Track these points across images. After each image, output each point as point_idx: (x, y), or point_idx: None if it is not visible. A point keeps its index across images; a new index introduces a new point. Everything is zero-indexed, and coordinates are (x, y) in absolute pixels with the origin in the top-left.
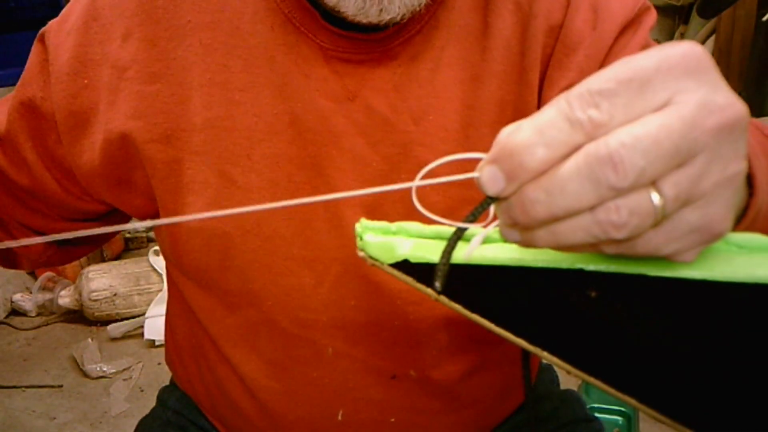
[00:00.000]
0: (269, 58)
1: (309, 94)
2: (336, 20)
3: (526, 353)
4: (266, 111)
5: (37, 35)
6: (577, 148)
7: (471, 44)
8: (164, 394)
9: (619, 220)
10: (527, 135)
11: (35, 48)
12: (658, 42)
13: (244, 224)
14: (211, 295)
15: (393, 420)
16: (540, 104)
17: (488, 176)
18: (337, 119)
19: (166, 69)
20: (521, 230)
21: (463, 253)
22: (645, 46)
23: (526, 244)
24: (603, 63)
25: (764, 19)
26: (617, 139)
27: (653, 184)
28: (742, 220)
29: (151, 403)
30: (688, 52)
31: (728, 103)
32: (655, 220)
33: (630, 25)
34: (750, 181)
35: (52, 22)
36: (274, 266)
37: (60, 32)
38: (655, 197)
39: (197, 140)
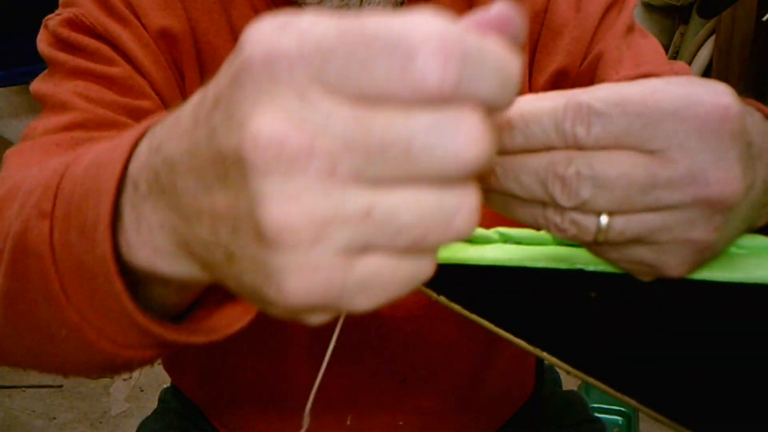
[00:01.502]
0: None
1: None
2: None
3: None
4: None
5: (59, 23)
6: (552, 149)
7: None
8: (166, 395)
9: (561, 225)
10: (515, 118)
11: (66, 34)
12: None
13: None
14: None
15: (401, 423)
16: (531, 91)
17: None
18: None
19: (195, 46)
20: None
21: None
22: (630, 27)
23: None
24: (589, 45)
25: (764, 19)
26: (577, 166)
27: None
28: None
29: (151, 403)
30: (714, 111)
31: (718, 179)
32: (594, 239)
33: (613, 5)
34: None
35: (56, 14)
36: None
37: (86, 5)
38: (603, 221)
39: None
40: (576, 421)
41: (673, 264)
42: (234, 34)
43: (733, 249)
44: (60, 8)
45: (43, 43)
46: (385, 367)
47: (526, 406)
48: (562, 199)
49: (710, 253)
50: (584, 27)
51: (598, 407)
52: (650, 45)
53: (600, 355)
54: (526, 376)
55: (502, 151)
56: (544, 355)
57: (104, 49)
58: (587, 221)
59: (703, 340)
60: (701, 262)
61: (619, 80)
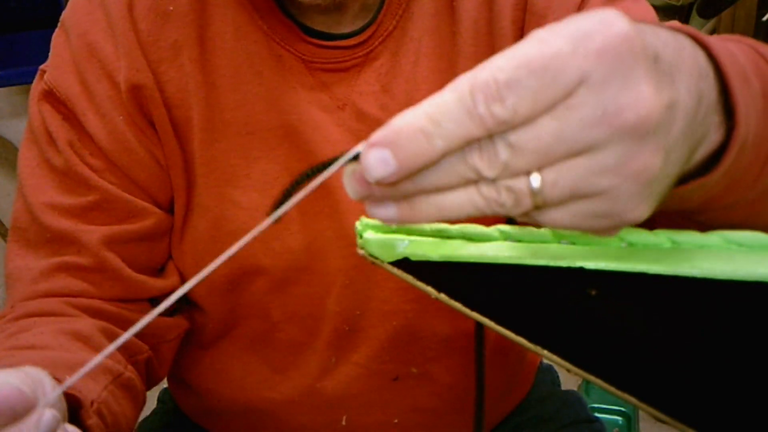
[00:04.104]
0: (257, 73)
1: (301, 105)
2: (315, 32)
3: (479, 333)
4: (259, 127)
5: (40, 95)
6: (475, 140)
7: (443, 31)
8: (165, 395)
9: (499, 197)
10: (424, 124)
11: (43, 108)
12: None
13: (252, 243)
14: (214, 312)
15: (396, 421)
16: None
17: (376, 159)
18: (330, 128)
19: (161, 93)
20: (396, 202)
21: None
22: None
23: (404, 219)
24: None
25: (764, 19)
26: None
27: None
28: (724, 157)
29: (151, 403)
30: (606, 38)
31: (629, 103)
32: (534, 202)
33: None
34: (731, 110)
35: (47, 68)
36: (284, 278)
37: (63, 74)
38: (534, 178)
39: (198, 163)
40: (573, 421)
41: (630, 206)
42: (205, 59)
43: (733, 247)
44: (48, 60)
45: (33, 106)
46: (376, 365)
47: (522, 404)
48: (485, 169)
49: (664, 183)
50: (568, 6)
51: (599, 407)
52: (640, 9)
53: (600, 353)
54: (525, 374)
55: (428, 164)
56: (545, 353)
57: (63, 137)
58: (519, 183)
59: (703, 338)
60: (658, 196)
61: None
